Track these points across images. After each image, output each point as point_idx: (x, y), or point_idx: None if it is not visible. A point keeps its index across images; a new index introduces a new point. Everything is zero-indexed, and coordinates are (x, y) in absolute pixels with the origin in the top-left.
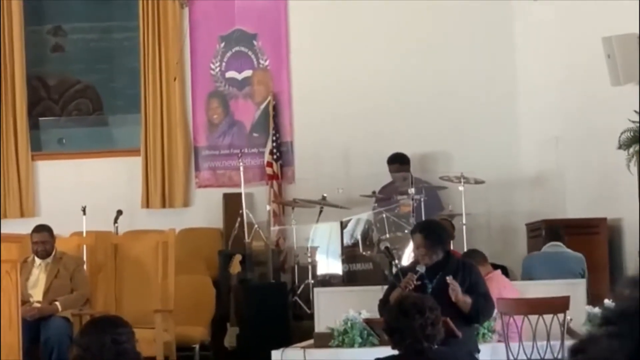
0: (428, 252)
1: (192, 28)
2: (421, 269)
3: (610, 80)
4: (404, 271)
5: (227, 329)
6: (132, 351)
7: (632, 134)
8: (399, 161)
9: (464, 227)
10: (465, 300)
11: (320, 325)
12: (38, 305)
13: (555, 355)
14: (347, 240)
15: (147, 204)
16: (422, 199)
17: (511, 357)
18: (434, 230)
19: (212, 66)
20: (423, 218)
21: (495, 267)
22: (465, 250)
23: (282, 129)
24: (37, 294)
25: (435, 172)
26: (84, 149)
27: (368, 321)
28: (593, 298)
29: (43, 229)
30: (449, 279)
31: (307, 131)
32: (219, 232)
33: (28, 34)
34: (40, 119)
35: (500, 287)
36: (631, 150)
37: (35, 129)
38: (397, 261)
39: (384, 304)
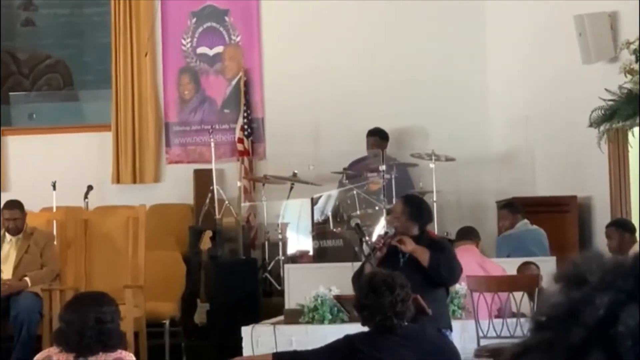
0: (401, 220)
1: (164, 3)
2: (390, 231)
3: (581, 58)
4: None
5: (197, 305)
6: (116, 331)
7: (602, 112)
8: (379, 135)
9: (435, 204)
10: (422, 252)
11: (291, 301)
12: (8, 281)
13: (525, 332)
14: (317, 217)
15: (117, 179)
16: (392, 177)
17: (481, 334)
18: (415, 204)
19: (184, 42)
20: (394, 195)
21: None
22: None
23: (253, 105)
24: (7, 270)
25: (406, 149)
26: (54, 124)
27: (338, 298)
28: None
29: (14, 206)
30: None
31: (278, 107)
32: (189, 208)
33: None
34: (10, 93)
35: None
36: (602, 128)
37: (6, 103)
38: (367, 238)
39: (358, 276)
